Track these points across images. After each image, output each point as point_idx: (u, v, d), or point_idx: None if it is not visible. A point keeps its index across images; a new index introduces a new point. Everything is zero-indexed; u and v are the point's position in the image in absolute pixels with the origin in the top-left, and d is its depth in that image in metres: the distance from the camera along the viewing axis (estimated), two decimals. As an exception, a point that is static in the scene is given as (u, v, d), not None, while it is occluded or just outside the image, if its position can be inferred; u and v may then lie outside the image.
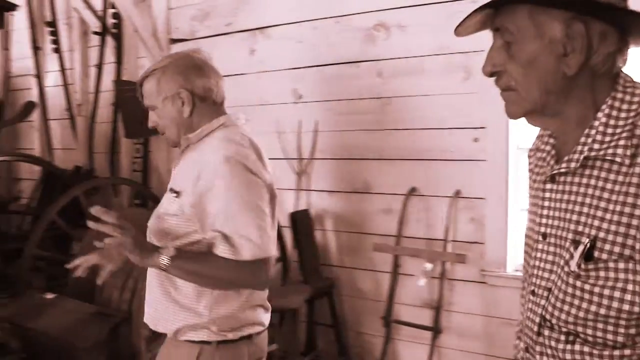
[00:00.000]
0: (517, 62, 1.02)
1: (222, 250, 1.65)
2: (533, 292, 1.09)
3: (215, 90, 1.82)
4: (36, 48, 5.40)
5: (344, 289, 3.72)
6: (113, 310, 3.40)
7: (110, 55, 4.86)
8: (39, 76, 5.41)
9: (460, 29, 1.10)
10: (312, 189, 3.81)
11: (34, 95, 5.39)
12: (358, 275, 3.67)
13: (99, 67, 4.94)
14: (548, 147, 1.11)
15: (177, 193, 1.72)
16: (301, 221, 3.66)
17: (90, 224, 1.59)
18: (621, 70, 1.04)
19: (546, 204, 1.08)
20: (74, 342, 3.07)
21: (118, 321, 3.39)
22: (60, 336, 3.08)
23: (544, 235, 1.08)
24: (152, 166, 4.65)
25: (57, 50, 5.24)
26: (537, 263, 1.10)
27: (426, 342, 3.30)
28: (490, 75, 1.06)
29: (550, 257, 1.06)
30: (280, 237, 3.76)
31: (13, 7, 4.95)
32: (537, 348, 1.09)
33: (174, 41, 4.42)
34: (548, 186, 1.08)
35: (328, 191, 3.76)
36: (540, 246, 1.09)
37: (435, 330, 3.26)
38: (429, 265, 3.26)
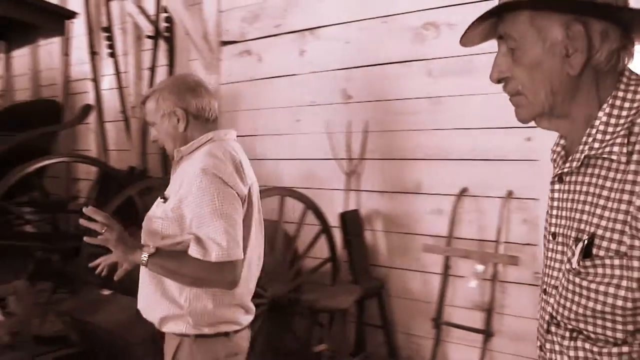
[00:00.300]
0: (522, 67, 1.04)
1: (194, 250, 1.81)
2: (545, 291, 1.11)
3: (208, 109, 2.01)
4: (93, 53, 5.59)
5: (393, 289, 3.70)
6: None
7: (162, 58, 4.98)
8: (95, 80, 5.60)
9: (465, 40, 1.13)
10: (361, 189, 3.80)
11: (90, 99, 5.58)
12: (408, 276, 3.64)
13: (152, 70, 5.06)
14: (559, 149, 1.13)
15: (165, 199, 1.93)
16: (351, 221, 3.66)
17: (82, 221, 1.80)
18: (627, 67, 1.04)
19: (555, 204, 1.10)
20: (127, 337, 3.16)
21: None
22: (114, 331, 3.17)
23: (554, 235, 1.09)
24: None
25: (113, 55, 5.41)
26: (548, 262, 1.11)
27: (477, 345, 3.25)
28: (498, 81, 1.08)
29: (559, 257, 1.08)
30: (330, 237, 3.77)
31: (73, 15, 5.13)
32: (547, 345, 1.11)
33: (224, 43, 4.49)
34: (556, 187, 1.10)
35: (378, 191, 3.75)
36: (551, 246, 1.10)
37: (487, 333, 3.20)
38: (480, 267, 3.21)
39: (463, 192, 3.36)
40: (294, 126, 4.10)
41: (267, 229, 3.51)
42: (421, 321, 3.55)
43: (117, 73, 5.38)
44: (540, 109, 1.05)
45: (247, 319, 2.03)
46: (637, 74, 1.04)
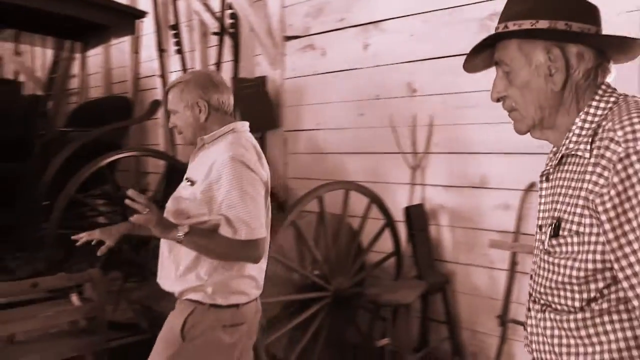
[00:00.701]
0: (514, 87, 1.25)
1: (225, 230, 2.04)
2: (531, 277, 1.29)
3: (227, 103, 2.23)
4: (161, 50, 5.75)
5: (458, 285, 3.65)
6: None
7: (228, 54, 5.07)
8: (163, 76, 5.77)
9: (468, 67, 1.37)
10: (426, 183, 3.76)
11: (159, 94, 5.74)
12: (473, 271, 3.58)
13: (218, 65, 5.16)
14: (551, 155, 1.32)
15: (192, 182, 2.12)
16: (415, 216, 3.63)
17: (127, 201, 2.00)
18: (604, 82, 1.23)
19: (542, 200, 1.28)
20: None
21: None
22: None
23: (540, 227, 1.27)
24: (268, 160, 4.78)
25: (180, 52, 5.55)
26: (535, 251, 1.29)
27: (546, 343, 3.16)
28: (497, 100, 1.30)
29: (537, 243, 1.28)
30: (394, 231, 3.75)
31: (143, 14, 5.30)
32: (527, 322, 1.29)
33: (288, 38, 4.53)
34: (544, 184, 1.29)
35: (443, 186, 3.70)
36: (537, 237, 1.28)
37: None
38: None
39: (530, 187, 3.27)
40: (358, 120, 4.09)
41: (331, 223, 3.56)
42: (486, 318, 3.48)
43: (184, 69, 5.52)
44: (532, 121, 1.26)
45: (257, 292, 2.24)
46: (613, 88, 1.23)
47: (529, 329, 1.28)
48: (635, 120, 1.09)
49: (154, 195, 4.95)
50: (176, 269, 2.14)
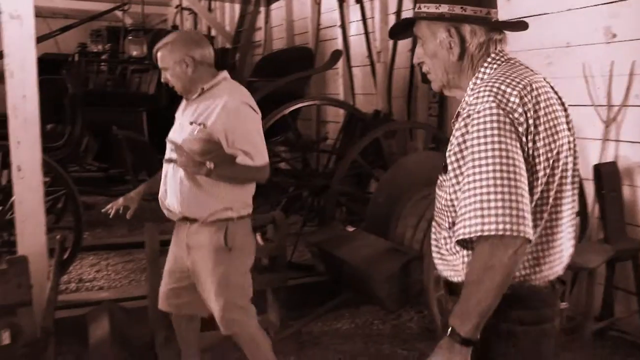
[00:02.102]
0: (427, 56, 1.55)
1: (242, 159, 2.47)
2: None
3: (209, 56, 2.60)
4: (341, 1, 5.80)
5: (653, 253, 3.32)
6: (406, 247, 3.60)
7: (407, 3, 4.97)
8: (343, 26, 5.83)
9: (392, 35, 1.73)
10: (621, 139, 3.42)
11: (339, 45, 5.84)
12: (673, 240, 3.23)
13: (398, 14, 5.09)
14: (459, 109, 1.50)
15: (204, 124, 2.46)
16: (607, 175, 3.34)
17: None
18: (494, 51, 1.49)
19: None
20: (370, 273, 3.35)
21: (410, 259, 3.58)
22: (358, 265, 3.38)
23: (444, 167, 1.49)
24: (448, 111, 4.69)
25: (359, 1, 5.55)
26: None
27: None
28: (418, 64, 1.60)
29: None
30: (580, 190, 3.48)
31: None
32: (431, 235, 1.61)
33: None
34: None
35: (641, 143, 3.34)
36: (440, 177, 1.53)
37: None
38: None
39: None
40: (546, 70, 3.79)
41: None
42: (686, 292, 3.14)
43: (364, 19, 5.53)
44: (441, 82, 1.56)
45: None
46: (501, 55, 1.49)
47: (431, 243, 1.60)
48: (482, 89, 1.39)
49: (334, 144, 5.11)
50: (198, 197, 2.50)
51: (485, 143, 1.33)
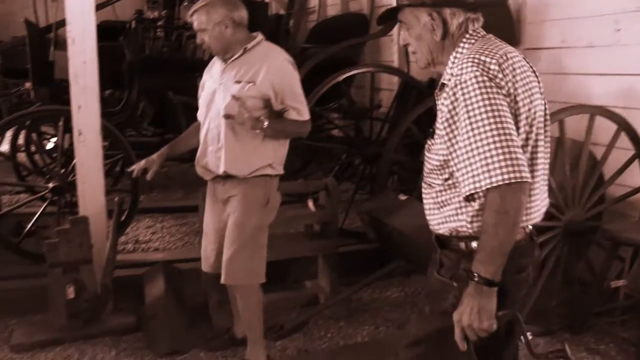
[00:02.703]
0: (412, 38, 1.72)
1: (292, 114, 2.64)
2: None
3: (245, 18, 2.68)
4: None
5: None
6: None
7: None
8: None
9: (379, 24, 2.03)
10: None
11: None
12: None
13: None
14: (442, 82, 1.69)
15: (253, 82, 2.57)
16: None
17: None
18: (471, 29, 1.67)
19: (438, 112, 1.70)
20: (421, 242, 3.31)
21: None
22: (409, 234, 3.35)
23: (432, 132, 1.71)
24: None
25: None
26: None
27: None
28: (404, 46, 1.78)
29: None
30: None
31: None
32: (423, 195, 1.79)
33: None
34: (438, 101, 1.69)
35: None
36: (428, 141, 1.73)
37: None
38: None
39: None
40: (613, 36, 3.62)
41: (570, 149, 3.30)
42: None
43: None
44: (426, 61, 1.73)
45: None
46: (477, 32, 1.68)
47: (424, 199, 1.78)
48: (464, 61, 1.58)
49: (387, 112, 5.05)
50: (243, 154, 2.63)
51: (479, 107, 1.51)
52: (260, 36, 2.73)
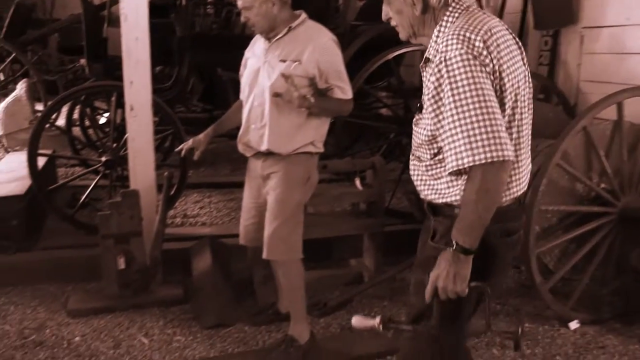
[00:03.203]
0: (393, 12, 1.77)
1: (337, 93, 2.66)
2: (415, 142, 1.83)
3: None
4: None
5: None
6: (519, 218, 3.47)
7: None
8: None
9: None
10: None
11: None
12: None
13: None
14: (426, 53, 1.74)
15: (299, 61, 2.58)
16: None
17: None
18: (451, 3, 1.70)
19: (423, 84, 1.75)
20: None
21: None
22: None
23: (420, 107, 1.77)
24: (560, 60, 4.40)
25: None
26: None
27: None
28: (387, 20, 1.82)
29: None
30: None
31: None
32: (410, 168, 1.86)
33: None
34: (423, 73, 1.75)
35: None
36: (417, 115, 1.80)
37: None
38: None
39: None
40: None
41: (629, 133, 3.17)
42: None
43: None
44: (407, 34, 1.78)
45: None
46: (460, 5, 1.69)
47: (411, 172, 1.85)
48: (455, 34, 1.60)
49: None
50: (287, 133, 2.65)
51: (463, 85, 1.55)
52: (303, 15, 2.72)
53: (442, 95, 1.60)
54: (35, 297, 3.44)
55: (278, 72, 2.61)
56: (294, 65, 2.59)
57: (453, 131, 1.56)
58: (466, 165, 1.55)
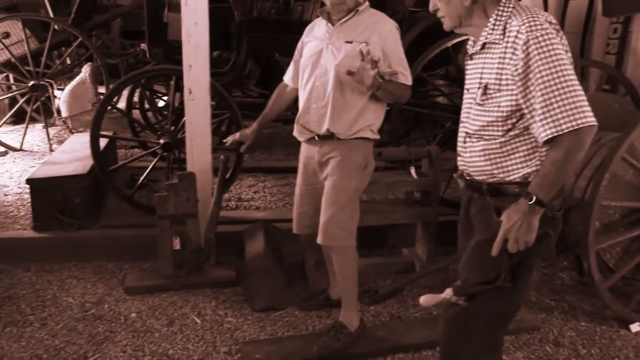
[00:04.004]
0: (443, 3, 1.90)
1: (401, 78, 2.68)
2: (461, 122, 1.98)
3: None
4: None
5: None
6: (565, 194, 3.37)
7: None
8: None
9: None
10: None
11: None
12: None
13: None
14: (471, 42, 1.97)
15: (366, 43, 2.59)
16: None
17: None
18: None
19: (468, 71, 1.96)
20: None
21: (569, 206, 3.35)
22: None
23: (467, 90, 1.96)
24: (630, 48, 4.21)
25: None
26: (463, 106, 1.99)
27: None
28: (434, 11, 1.94)
29: (467, 100, 1.96)
30: None
31: None
32: (464, 152, 1.97)
33: None
34: (469, 62, 1.96)
35: None
36: (465, 96, 1.97)
37: None
38: None
39: None
40: None
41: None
42: None
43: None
44: (453, 23, 1.92)
45: None
46: (509, 1, 1.84)
47: (467, 156, 1.95)
48: (530, 19, 1.73)
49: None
50: (349, 118, 2.67)
51: (553, 60, 1.68)
52: (366, 2, 2.74)
53: (528, 72, 1.71)
54: (95, 273, 3.57)
55: (344, 52, 2.62)
56: (361, 46, 2.57)
57: (548, 102, 1.68)
58: (565, 131, 1.67)
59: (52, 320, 3.04)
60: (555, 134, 1.69)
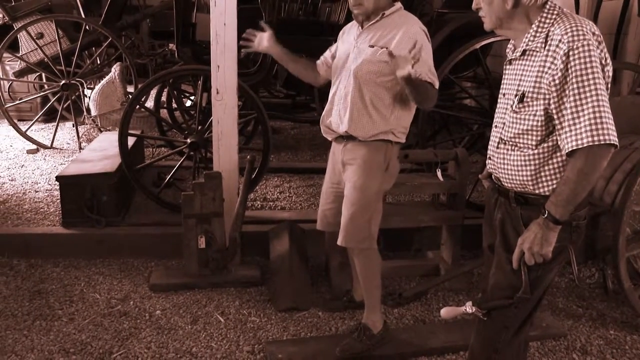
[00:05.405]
0: (485, 3, 1.90)
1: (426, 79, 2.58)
2: (495, 126, 2.00)
3: None
4: None
5: None
6: (595, 199, 3.32)
7: None
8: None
9: None
10: None
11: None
12: None
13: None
14: (510, 46, 1.98)
15: (386, 48, 2.48)
16: None
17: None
18: (547, 3, 1.84)
19: (506, 77, 1.97)
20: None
21: (599, 211, 3.30)
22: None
23: (503, 95, 1.97)
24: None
25: None
26: (497, 110, 2.00)
27: None
28: (476, 10, 1.95)
29: (503, 105, 1.96)
30: None
31: None
32: (496, 157, 1.98)
33: None
34: (508, 67, 1.97)
35: None
36: (500, 101, 1.99)
37: None
38: None
39: None
40: None
41: None
42: None
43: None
44: (493, 24, 1.92)
45: None
46: (554, 7, 1.84)
47: (498, 161, 1.97)
48: (574, 29, 1.72)
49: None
50: (372, 116, 2.64)
51: (587, 73, 1.68)
52: (399, 4, 2.72)
53: (564, 82, 1.72)
54: (121, 270, 3.62)
55: (364, 56, 2.62)
56: (381, 51, 2.56)
57: (575, 115, 1.70)
58: (585, 145, 1.68)
59: (79, 316, 3.08)
60: (576, 147, 1.70)
